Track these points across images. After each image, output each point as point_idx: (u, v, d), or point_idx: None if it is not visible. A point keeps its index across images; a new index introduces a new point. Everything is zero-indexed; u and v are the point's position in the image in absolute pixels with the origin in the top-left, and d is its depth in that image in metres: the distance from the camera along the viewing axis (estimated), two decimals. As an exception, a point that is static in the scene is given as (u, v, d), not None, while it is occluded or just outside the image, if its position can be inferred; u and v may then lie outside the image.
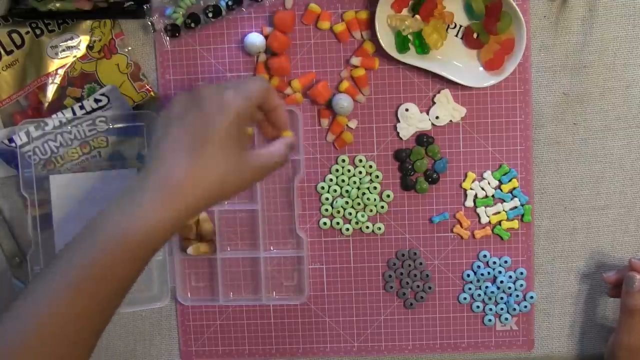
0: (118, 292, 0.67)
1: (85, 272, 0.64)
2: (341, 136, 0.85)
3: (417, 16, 0.82)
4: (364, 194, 0.86)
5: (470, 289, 0.87)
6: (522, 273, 0.87)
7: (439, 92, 0.85)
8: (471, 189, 0.86)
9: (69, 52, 0.84)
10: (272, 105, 0.73)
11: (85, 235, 0.66)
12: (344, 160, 0.86)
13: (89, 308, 0.65)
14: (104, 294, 0.65)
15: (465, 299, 0.88)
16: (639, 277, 0.79)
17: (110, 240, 0.65)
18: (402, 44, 0.82)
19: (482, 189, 0.86)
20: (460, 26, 0.83)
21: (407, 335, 0.89)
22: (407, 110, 0.85)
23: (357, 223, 0.86)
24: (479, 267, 0.87)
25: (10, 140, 0.83)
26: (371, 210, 0.86)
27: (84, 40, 0.84)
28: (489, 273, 0.87)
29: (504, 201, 0.86)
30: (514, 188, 0.86)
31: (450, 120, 0.85)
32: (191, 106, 0.68)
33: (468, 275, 0.87)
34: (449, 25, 0.83)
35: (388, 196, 0.86)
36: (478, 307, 0.88)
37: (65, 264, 0.65)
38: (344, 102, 0.83)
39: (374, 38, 0.83)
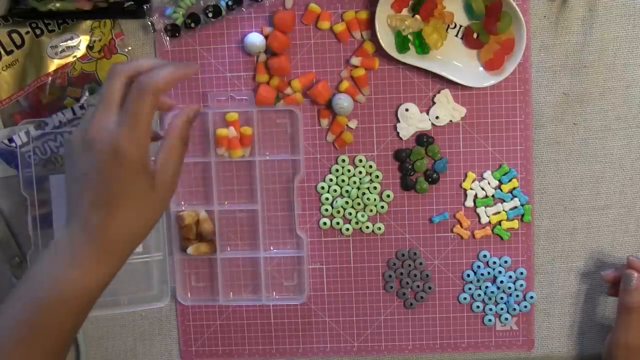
0: (59, 344, 0.68)
1: (25, 331, 0.65)
2: (341, 136, 0.85)
3: (417, 16, 0.82)
4: (364, 194, 0.86)
5: (470, 289, 0.87)
6: (522, 273, 0.87)
7: (439, 92, 0.85)
8: (471, 189, 0.86)
9: (69, 52, 0.84)
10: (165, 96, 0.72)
11: (22, 296, 0.67)
12: (344, 160, 0.86)
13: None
14: (47, 347, 0.66)
15: (465, 299, 0.88)
16: (636, 275, 0.79)
17: (49, 303, 0.65)
18: (402, 44, 0.82)
19: (482, 189, 0.86)
20: (460, 26, 0.83)
21: (407, 335, 0.89)
22: (407, 110, 0.85)
23: (357, 223, 0.86)
24: (479, 267, 0.87)
25: (10, 140, 0.83)
26: (371, 210, 0.86)
27: (84, 40, 0.84)
28: (489, 273, 0.87)
29: (504, 201, 0.86)
30: (514, 188, 0.86)
31: (450, 120, 0.85)
32: (85, 157, 0.65)
33: (468, 275, 0.87)
34: (449, 25, 0.83)
35: (388, 196, 0.86)
36: (478, 307, 0.88)
37: (6, 321, 0.66)
38: (344, 102, 0.83)
39: (374, 38, 0.83)
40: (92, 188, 0.65)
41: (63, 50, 0.84)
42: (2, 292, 0.88)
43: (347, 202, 0.86)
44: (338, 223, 0.87)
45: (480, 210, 0.86)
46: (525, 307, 0.87)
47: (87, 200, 0.65)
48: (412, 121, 0.85)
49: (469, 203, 0.86)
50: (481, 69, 0.83)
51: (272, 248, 0.88)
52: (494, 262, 0.87)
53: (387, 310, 0.88)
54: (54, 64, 0.84)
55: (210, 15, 0.82)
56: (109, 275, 0.68)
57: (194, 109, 0.72)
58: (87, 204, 0.65)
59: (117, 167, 0.64)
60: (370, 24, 0.83)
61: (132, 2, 0.82)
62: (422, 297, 0.88)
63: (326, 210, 0.86)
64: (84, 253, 0.66)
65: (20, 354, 0.65)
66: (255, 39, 0.83)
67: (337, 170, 0.86)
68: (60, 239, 0.67)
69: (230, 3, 0.82)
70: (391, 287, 0.88)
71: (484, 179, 0.86)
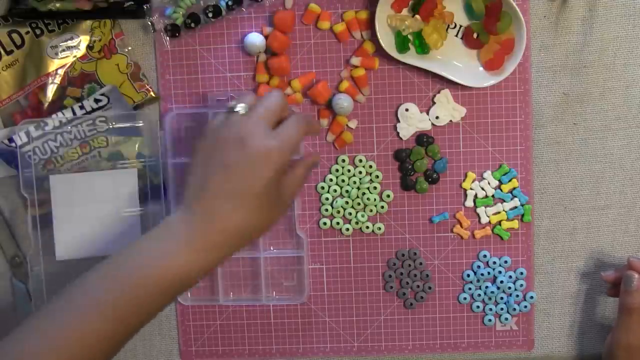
0: (143, 322, 0.68)
1: (117, 305, 0.66)
2: (341, 136, 0.85)
3: (417, 16, 0.82)
4: (364, 194, 0.86)
5: (470, 289, 0.87)
6: (522, 273, 0.87)
7: (439, 92, 0.85)
8: (471, 189, 0.86)
9: (69, 52, 0.84)
10: (313, 132, 0.77)
11: (122, 265, 0.67)
12: (344, 160, 0.86)
13: (114, 334, 0.66)
14: (131, 324, 0.67)
15: (465, 299, 0.88)
16: (637, 276, 0.79)
17: (146, 281, 0.66)
18: (402, 44, 0.82)
19: (482, 189, 0.86)
20: (460, 26, 0.83)
21: (407, 335, 0.89)
22: (407, 110, 0.85)
23: (357, 223, 0.86)
24: (479, 267, 0.87)
25: (10, 140, 0.83)
26: (371, 210, 0.86)
27: (84, 40, 0.84)
28: (489, 273, 0.87)
29: (504, 201, 0.86)
30: (514, 188, 0.86)
31: (450, 120, 0.85)
32: (235, 152, 0.68)
33: (468, 275, 0.87)
34: (449, 25, 0.83)
35: (388, 196, 0.86)
36: (478, 307, 0.88)
37: (97, 293, 0.66)
38: (344, 102, 0.83)
39: (374, 38, 0.83)
40: (232, 181, 0.68)
41: (63, 50, 0.84)
42: (2, 292, 0.88)
43: (347, 202, 0.86)
44: (338, 223, 0.87)
45: (480, 210, 0.86)
46: (525, 307, 0.87)
47: (222, 191, 0.68)
48: (412, 121, 0.85)
49: (469, 203, 0.86)
50: (481, 69, 0.83)
51: (272, 248, 0.88)
52: (494, 262, 0.87)
53: (387, 310, 0.88)
54: (54, 64, 0.84)
55: (210, 15, 0.82)
56: (211, 267, 0.69)
57: (315, 159, 0.78)
58: (221, 193, 0.68)
59: (263, 170, 0.68)
60: (370, 24, 0.83)
61: (132, 2, 0.82)
62: (422, 297, 0.88)
63: (326, 210, 0.86)
64: (198, 239, 0.67)
65: (99, 327, 0.65)
66: (255, 39, 0.83)
67: (337, 170, 0.86)
68: (172, 223, 0.68)
69: (230, 3, 0.82)
70: (391, 287, 0.88)
71: (484, 179, 0.86)
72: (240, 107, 0.71)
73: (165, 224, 0.69)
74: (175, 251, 0.67)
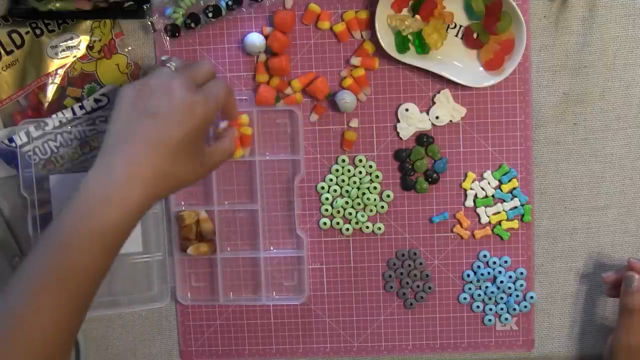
0: (88, 286, 0.68)
1: (60, 272, 0.66)
2: (345, 136, 0.85)
3: (417, 16, 0.82)
4: (364, 194, 0.86)
5: (470, 289, 0.87)
6: (522, 273, 0.87)
7: (439, 92, 0.85)
8: (471, 189, 0.86)
9: (69, 52, 0.84)
10: (231, 105, 0.79)
11: (52, 236, 0.68)
12: (344, 160, 0.86)
13: (64, 305, 0.66)
14: (76, 289, 0.67)
15: (465, 299, 0.88)
16: (637, 277, 0.79)
17: (82, 240, 0.67)
18: (402, 44, 0.82)
19: (482, 189, 0.86)
20: (460, 26, 0.83)
21: (407, 335, 0.89)
22: (407, 110, 0.85)
23: (357, 223, 0.86)
24: (479, 267, 0.87)
25: (10, 140, 0.83)
26: (371, 210, 0.86)
27: (84, 40, 0.84)
28: (489, 273, 0.87)
29: (504, 201, 0.86)
30: (514, 188, 0.86)
31: (450, 120, 0.85)
32: (162, 101, 0.71)
33: (468, 275, 0.87)
34: (449, 25, 0.83)
35: (388, 196, 0.86)
36: (478, 307, 0.88)
37: (40, 266, 0.66)
38: (347, 97, 0.83)
39: (374, 38, 0.83)
40: (157, 127, 0.70)
41: (63, 50, 0.84)
42: (2, 292, 0.88)
43: (347, 202, 0.86)
44: (338, 223, 0.87)
45: (480, 210, 0.86)
46: (525, 307, 0.87)
47: (147, 137, 0.70)
48: (412, 121, 0.85)
49: (469, 203, 0.86)
50: (481, 69, 0.83)
51: (272, 248, 0.88)
52: (494, 262, 0.87)
53: (387, 310, 0.88)
54: (54, 64, 0.84)
55: (210, 15, 0.82)
56: (144, 208, 0.70)
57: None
58: (146, 140, 0.70)
59: (190, 119, 0.71)
60: (370, 24, 0.83)
61: (132, 2, 0.82)
62: (422, 297, 0.88)
63: (326, 210, 0.86)
64: (124, 184, 0.68)
65: (48, 297, 0.65)
66: (255, 39, 0.83)
67: (337, 170, 0.86)
68: (93, 176, 0.69)
69: (230, 3, 0.82)
70: (391, 287, 0.88)
71: (484, 179, 0.86)
72: (171, 64, 0.74)
73: (86, 184, 0.69)
74: (104, 201, 0.67)
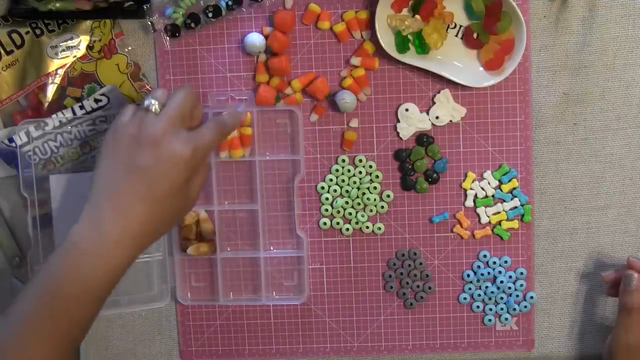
0: (78, 332, 0.71)
1: (45, 319, 0.68)
2: (345, 136, 0.85)
3: (417, 16, 0.82)
4: (364, 194, 0.86)
5: (470, 289, 0.87)
6: (522, 273, 0.87)
7: (439, 92, 0.85)
8: (471, 189, 0.86)
9: (69, 52, 0.84)
10: (226, 136, 0.80)
11: (42, 285, 0.69)
12: (344, 160, 0.86)
13: (52, 347, 0.69)
14: (66, 335, 0.69)
15: (465, 299, 0.88)
16: (636, 275, 0.79)
17: (71, 291, 0.69)
18: (402, 44, 0.82)
19: (482, 189, 0.86)
20: (460, 26, 0.83)
21: (407, 335, 0.89)
22: (407, 110, 0.85)
23: (357, 223, 0.86)
24: (479, 267, 0.87)
25: (10, 140, 0.83)
26: (371, 210, 0.86)
27: (84, 40, 0.84)
28: (489, 273, 0.87)
29: (504, 201, 0.86)
30: (514, 188, 0.86)
31: (450, 120, 0.85)
32: (148, 154, 0.70)
33: (468, 275, 0.87)
34: (449, 25, 0.83)
35: (388, 196, 0.86)
36: (478, 307, 0.88)
37: (32, 313, 0.68)
38: (347, 97, 0.83)
39: (374, 38, 0.83)
40: (146, 182, 0.70)
41: (63, 50, 0.84)
42: (2, 292, 0.88)
43: (347, 202, 0.86)
44: (338, 223, 0.87)
45: (480, 210, 0.86)
46: (525, 307, 0.87)
47: (135, 192, 0.70)
48: (412, 121, 0.85)
49: (469, 203, 0.86)
50: (481, 69, 0.83)
51: (272, 248, 0.88)
52: (494, 262, 0.87)
53: (387, 310, 0.88)
54: (54, 64, 0.84)
55: (210, 15, 0.82)
56: (132, 261, 0.71)
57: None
58: (135, 195, 0.70)
59: (178, 171, 0.70)
60: (370, 24, 0.83)
61: (132, 2, 0.82)
62: (422, 297, 0.88)
63: (326, 210, 0.86)
64: (114, 240, 0.69)
65: (37, 339, 0.67)
66: (255, 39, 0.83)
67: (337, 170, 0.86)
68: (82, 229, 0.70)
69: (230, 3, 0.82)
70: (391, 287, 0.88)
71: (484, 179, 0.86)
72: (152, 105, 0.72)
73: (75, 235, 0.70)
74: (94, 257, 0.69)
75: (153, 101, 0.72)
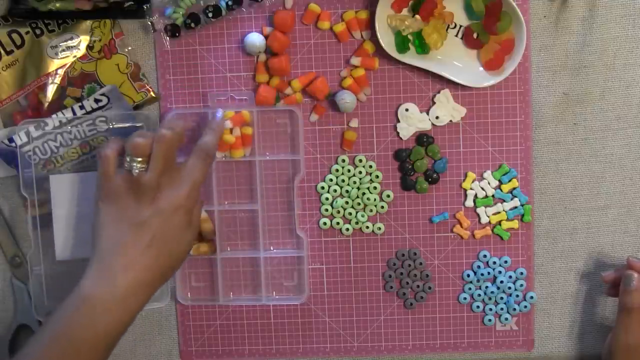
0: None
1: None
2: (345, 136, 0.85)
3: (417, 16, 0.82)
4: (364, 194, 0.86)
5: (470, 289, 0.87)
6: (522, 273, 0.87)
7: (439, 92, 0.85)
8: (471, 189, 0.86)
9: (69, 52, 0.84)
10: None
11: (53, 339, 0.70)
12: (344, 160, 0.86)
13: None
14: None
15: (465, 299, 0.88)
16: (636, 275, 0.79)
17: (84, 343, 0.70)
18: (402, 44, 0.82)
19: (482, 189, 0.86)
20: (460, 26, 0.83)
21: (407, 335, 0.89)
22: (407, 110, 0.85)
23: (357, 223, 0.86)
24: (479, 267, 0.87)
25: (10, 140, 0.83)
26: (371, 210, 0.86)
27: (84, 40, 0.84)
28: (489, 273, 0.87)
29: (504, 201, 0.86)
30: (514, 188, 0.86)
31: (450, 120, 0.85)
32: (145, 208, 0.73)
33: (468, 275, 0.87)
34: (449, 25, 0.83)
35: (388, 196, 0.86)
36: (478, 307, 0.88)
37: (44, 353, 0.70)
38: (347, 97, 0.83)
39: (374, 38, 0.83)
40: (150, 231, 0.73)
41: (63, 50, 0.84)
42: (2, 292, 0.88)
43: (347, 202, 0.86)
44: (338, 223, 0.87)
45: (480, 210, 0.86)
46: (525, 307, 0.87)
47: (141, 243, 0.73)
48: (412, 121, 0.85)
49: (469, 203, 0.86)
50: (481, 69, 0.83)
51: (272, 248, 0.88)
52: (494, 262, 0.87)
53: (387, 310, 0.88)
54: (54, 64, 0.84)
55: (210, 15, 0.82)
56: (143, 307, 0.74)
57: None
58: (141, 245, 0.72)
59: (178, 214, 0.74)
60: (370, 24, 0.83)
61: (132, 2, 0.82)
62: (422, 297, 0.88)
63: (326, 210, 0.86)
64: (125, 293, 0.71)
65: None
66: (255, 39, 0.83)
67: (337, 170, 0.86)
68: (93, 284, 0.71)
69: (230, 3, 0.82)
70: (391, 287, 0.88)
71: (484, 179, 0.86)
72: (134, 169, 0.73)
73: (85, 288, 0.71)
74: (108, 311, 0.70)
75: (135, 165, 0.74)
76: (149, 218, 0.73)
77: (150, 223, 0.73)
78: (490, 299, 0.87)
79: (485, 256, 0.87)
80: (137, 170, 0.73)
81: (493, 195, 0.86)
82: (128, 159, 0.74)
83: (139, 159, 0.73)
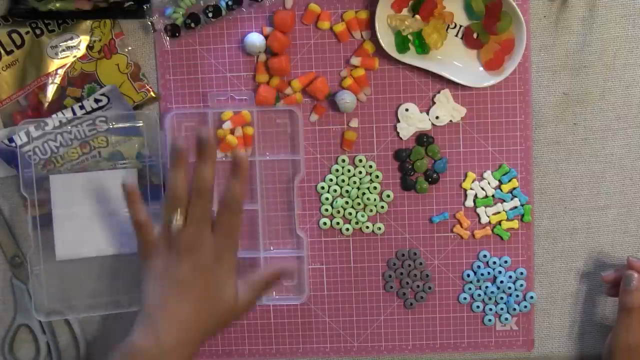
0: None
1: None
2: (345, 136, 0.85)
3: (417, 16, 0.82)
4: (364, 194, 0.86)
5: (470, 289, 0.87)
6: (522, 273, 0.87)
7: (439, 92, 0.85)
8: (471, 189, 0.86)
9: (69, 52, 0.84)
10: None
11: None
12: (344, 160, 0.86)
13: None
14: None
15: (465, 299, 0.88)
16: (636, 275, 0.79)
17: None
18: (402, 44, 0.82)
19: (482, 189, 0.86)
20: (460, 26, 0.83)
21: (407, 335, 0.89)
22: (407, 110, 0.85)
23: (357, 223, 0.86)
24: (479, 267, 0.87)
25: (10, 140, 0.83)
26: (371, 210, 0.86)
27: (84, 40, 0.84)
28: (489, 273, 0.87)
29: (504, 201, 0.86)
30: (514, 188, 0.86)
31: (450, 120, 0.85)
32: (186, 266, 0.74)
33: (468, 275, 0.87)
34: (449, 25, 0.83)
35: (388, 196, 0.86)
36: (478, 307, 0.88)
37: None
38: (347, 97, 0.83)
39: (374, 38, 0.83)
40: (189, 290, 0.74)
41: (63, 50, 0.84)
42: (2, 292, 0.88)
43: (347, 202, 0.86)
44: (338, 223, 0.87)
45: (480, 210, 0.86)
46: (525, 307, 0.87)
47: (181, 301, 0.74)
48: (412, 121, 0.85)
49: (469, 203, 0.86)
50: (481, 69, 0.83)
51: (272, 248, 0.88)
52: (494, 262, 0.87)
53: (387, 310, 0.88)
54: (54, 64, 0.84)
55: (210, 15, 0.82)
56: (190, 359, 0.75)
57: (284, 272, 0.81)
58: (181, 303, 0.73)
59: (218, 273, 0.75)
60: (370, 24, 0.83)
61: (132, 2, 0.82)
62: (422, 297, 0.88)
63: (326, 210, 0.86)
64: (171, 348, 0.72)
65: None
66: (255, 39, 0.83)
67: (337, 170, 0.86)
68: (140, 341, 0.73)
69: (230, 3, 0.82)
70: (391, 287, 0.88)
71: (484, 179, 0.86)
72: (176, 219, 0.75)
73: (134, 348, 0.73)
74: None
75: (174, 217, 0.75)
76: (188, 274, 0.74)
77: (190, 280, 0.74)
78: (490, 299, 0.87)
79: (485, 256, 0.87)
80: (175, 224, 0.74)
81: (493, 195, 0.86)
82: (166, 211, 0.75)
83: (178, 211, 0.75)
